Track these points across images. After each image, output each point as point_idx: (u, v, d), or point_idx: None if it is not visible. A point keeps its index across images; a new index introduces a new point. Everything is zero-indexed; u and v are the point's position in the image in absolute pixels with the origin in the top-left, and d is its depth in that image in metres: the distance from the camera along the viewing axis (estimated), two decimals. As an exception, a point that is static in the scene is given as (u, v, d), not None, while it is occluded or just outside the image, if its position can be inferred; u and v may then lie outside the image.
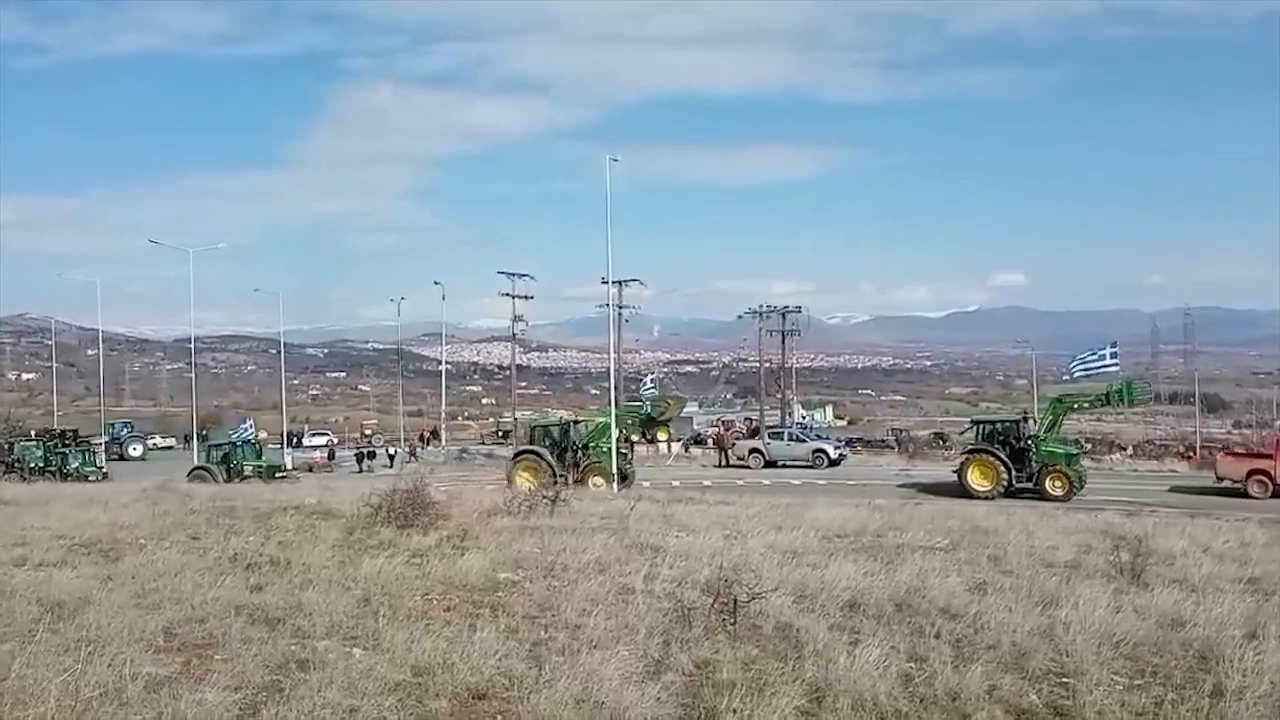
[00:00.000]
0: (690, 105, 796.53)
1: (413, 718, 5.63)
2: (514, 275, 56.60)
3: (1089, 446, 54.89)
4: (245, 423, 48.18)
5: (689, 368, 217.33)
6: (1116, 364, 34.22)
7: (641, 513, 15.66)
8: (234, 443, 40.57)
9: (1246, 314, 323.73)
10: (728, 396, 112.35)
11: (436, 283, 66.27)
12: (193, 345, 58.74)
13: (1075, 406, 33.63)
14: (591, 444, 33.05)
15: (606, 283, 43.33)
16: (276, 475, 37.14)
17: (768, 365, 65.85)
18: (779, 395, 65.09)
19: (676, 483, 33.09)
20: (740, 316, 66.07)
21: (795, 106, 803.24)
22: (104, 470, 41.39)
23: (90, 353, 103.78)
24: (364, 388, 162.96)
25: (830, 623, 8.04)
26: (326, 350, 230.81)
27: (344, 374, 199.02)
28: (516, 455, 34.21)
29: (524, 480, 30.59)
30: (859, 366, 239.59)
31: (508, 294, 56.22)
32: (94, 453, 45.59)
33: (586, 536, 12.50)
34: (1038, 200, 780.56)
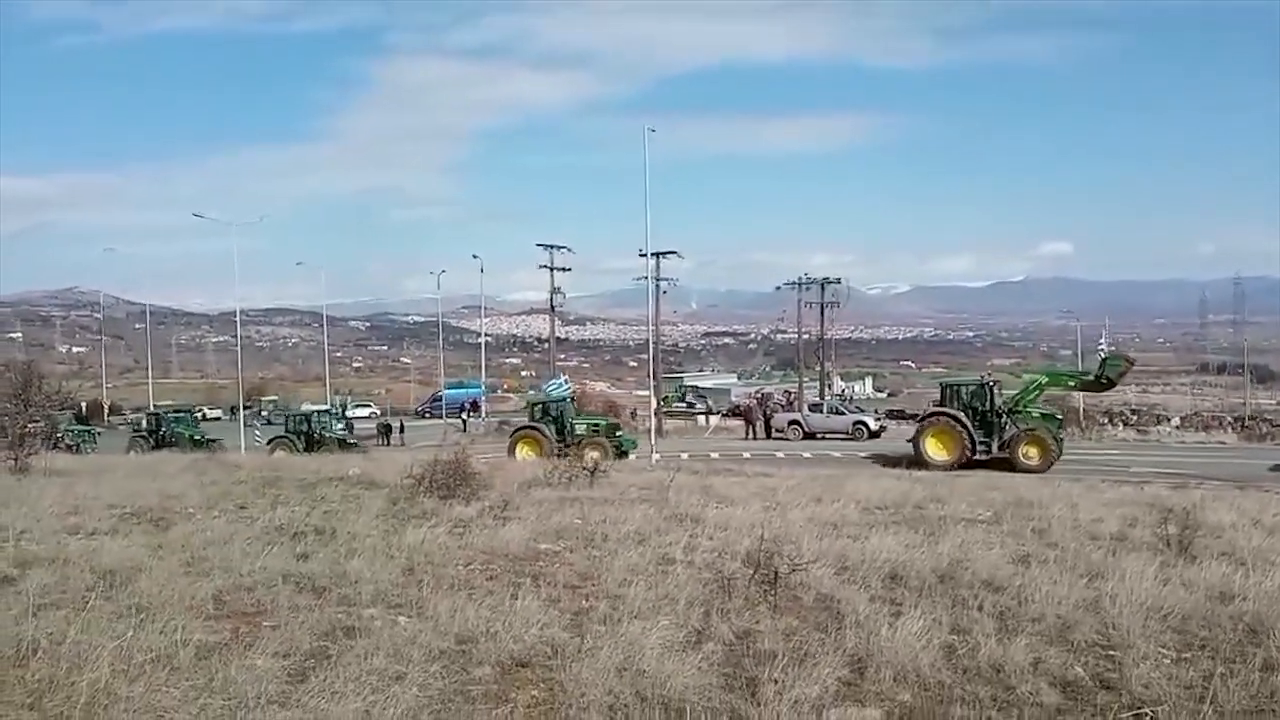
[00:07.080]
0: (731, 76, 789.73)
1: (457, 684, 5.70)
2: (552, 247, 56.56)
3: (1134, 418, 53.69)
4: (560, 377, 38.67)
5: (727, 339, 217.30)
6: None
7: (680, 484, 15.68)
8: (565, 398, 34.92)
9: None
10: (767, 368, 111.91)
11: (475, 256, 66.90)
12: (238, 318, 59.53)
13: None
14: (1020, 408, 29.16)
15: (644, 255, 43.07)
16: (616, 434, 32.04)
17: (806, 337, 65.48)
18: (818, 367, 64.73)
19: (715, 454, 33.07)
20: (779, 288, 65.79)
21: (837, 75, 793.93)
22: (356, 440, 38.82)
23: (138, 326, 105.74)
24: (406, 360, 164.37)
25: (871, 594, 8.00)
26: (368, 323, 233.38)
27: (386, 346, 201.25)
28: (924, 418, 30.59)
29: (935, 449, 28.65)
30: (899, 338, 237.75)
31: (546, 266, 56.21)
32: (336, 420, 42.71)
33: (626, 508, 12.55)
34: (1087, 168, 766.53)
